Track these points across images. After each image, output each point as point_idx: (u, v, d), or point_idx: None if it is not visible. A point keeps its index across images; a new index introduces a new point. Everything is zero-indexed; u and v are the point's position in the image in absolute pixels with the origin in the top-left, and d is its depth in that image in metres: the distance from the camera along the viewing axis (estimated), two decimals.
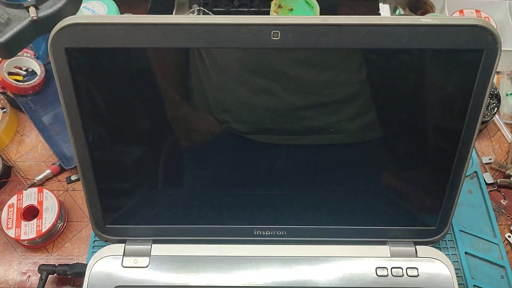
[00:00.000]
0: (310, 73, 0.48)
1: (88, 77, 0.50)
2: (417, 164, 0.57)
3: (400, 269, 0.58)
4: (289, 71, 0.48)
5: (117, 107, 0.53)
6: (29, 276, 0.67)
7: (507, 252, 0.66)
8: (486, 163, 0.75)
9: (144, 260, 0.60)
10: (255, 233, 0.61)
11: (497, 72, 0.82)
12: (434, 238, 0.60)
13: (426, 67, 0.49)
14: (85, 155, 0.54)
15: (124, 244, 0.61)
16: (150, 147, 0.56)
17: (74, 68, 0.49)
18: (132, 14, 0.94)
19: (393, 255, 0.60)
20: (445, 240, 0.65)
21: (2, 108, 0.79)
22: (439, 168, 0.56)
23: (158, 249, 0.61)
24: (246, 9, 0.92)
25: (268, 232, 0.61)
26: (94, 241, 0.67)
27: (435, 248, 0.60)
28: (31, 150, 0.79)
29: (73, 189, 0.74)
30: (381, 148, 0.56)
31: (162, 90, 0.51)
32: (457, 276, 0.58)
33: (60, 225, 0.69)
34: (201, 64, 0.48)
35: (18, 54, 0.81)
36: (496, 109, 0.77)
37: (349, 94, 0.50)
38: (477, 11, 0.91)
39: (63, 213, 0.70)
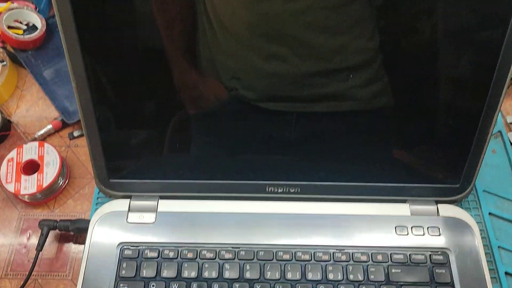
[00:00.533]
0: (322, 38, 0.46)
1: (93, 28, 0.47)
2: (441, 120, 0.53)
3: (421, 228, 0.55)
4: (300, 36, 0.46)
5: (123, 64, 0.50)
6: (29, 233, 0.64)
7: None
8: (510, 123, 0.71)
9: (150, 216, 0.57)
10: (267, 189, 0.57)
11: None
12: (457, 196, 0.56)
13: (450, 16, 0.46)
14: (88, 104, 0.51)
15: (129, 200, 0.58)
16: (157, 106, 0.53)
17: (79, 18, 0.46)
18: None
19: (414, 213, 0.56)
20: (467, 201, 0.62)
21: (1, 61, 0.76)
22: (464, 124, 0.53)
23: (165, 205, 0.58)
24: None
25: (280, 189, 0.57)
26: (98, 197, 0.64)
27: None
28: (32, 106, 0.75)
29: (76, 145, 0.71)
30: (400, 109, 0.53)
31: (169, 55, 0.49)
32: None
33: (62, 181, 0.66)
34: (209, 28, 0.47)
35: (19, 7, 0.78)
36: None
37: (362, 61, 0.48)
38: None
39: (65, 169, 0.67)
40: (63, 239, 0.63)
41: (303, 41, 0.46)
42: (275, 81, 0.49)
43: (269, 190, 0.57)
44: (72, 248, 0.62)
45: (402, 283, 0.52)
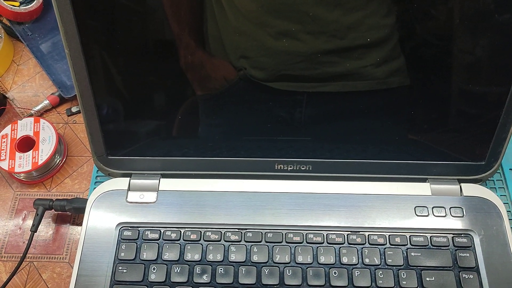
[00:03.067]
0: (335, 14, 0.44)
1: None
2: (465, 95, 0.49)
3: (443, 209, 0.51)
4: (312, 12, 0.44)
5: (123, 38, 0.47)
6: (25, 214, 0.60)
7: None
8: None
9: (151, 196, 0.53)
10: (276, 167, 0.54)
11: None
12: (482, 175, 0.52)
13: None
14: (83, 73, 0.48)
15: (129, 178, 0.55)
16: (160, 84, 0.50)
17: None
18: None
19: (435, 193, 0.52)
20: (492, 180, 0.57)
21: None
22: (491, 97, 0.49)
23: (167, 184, 0.54)
24: None
25: (291, 167, 0.53)
26: (97, 176, 0.61)
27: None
28: (28, 81, 0.72)
29: (74, 121, 0.67)
30: (420, 87, 0.49)
31: (174, 33, 0.47)
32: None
33: (58, 159, 0.63)
34: (217, 5, 0.45)
35: None
36: None
37: (377, 38, 0.46)
38: None
39: (63, 147, 0.64)
40: (59, 219, 0.59)
41: (315, 17, 0.45)
42: (286, 60, 0.47)
43: (278, 167, 0.54)
44: (70, 229, 0.59)
45: (422, 268, 0.48)
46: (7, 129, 0.62)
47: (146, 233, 0.51)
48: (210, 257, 0.50)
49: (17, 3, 0.74)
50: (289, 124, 0.52)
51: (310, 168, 0.54)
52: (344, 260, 0.49)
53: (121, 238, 0.51)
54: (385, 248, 0.49)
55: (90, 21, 0.46)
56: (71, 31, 0.46)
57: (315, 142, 0.53)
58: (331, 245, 0.50)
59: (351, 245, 0.50)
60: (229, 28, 0.46)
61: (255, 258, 0.49)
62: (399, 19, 0.45)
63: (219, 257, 0.50)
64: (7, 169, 0.59)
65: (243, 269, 0.49)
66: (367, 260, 0.49)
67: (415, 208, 0.51)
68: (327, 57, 0.47)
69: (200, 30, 0.47)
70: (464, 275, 0.48)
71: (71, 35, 0.46)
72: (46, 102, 0.68)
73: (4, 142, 0.61)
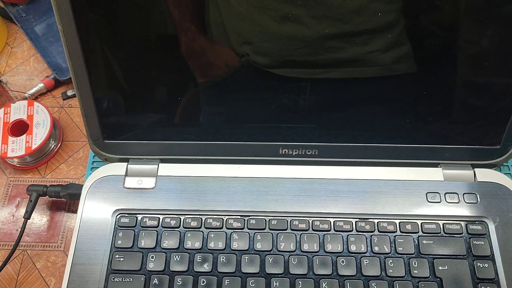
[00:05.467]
0: None
1: None
2: (479, 76, 0.47)
3: (456, 195, 0.49)
4: None
5: (120, 19, 0.45)
6: (18, 200, 0.58)
7: None
8: None
9: (150, 181, 0.51)
10: (280, 151, 0.51)
11: None
12: (497, 160, 0.50)
13: None
14: (77, 52, 0.46)
15: (126, 163, 0.52)
16: (159, 67, 0.48)
17: None
18: None
19: (447, 179, 0.50)
20: (507, 165, 0.55)
21: None
22: (506, 79, 0.46)
23: (166, 169, 0.52)
24: None
25: (296, 151, 0.51)
26: (93, 162, 0.58)
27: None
28: (22, 64, 0.69)
29: (70, 105, 0.65)
30: (429, 73, 0.47)
31: (174, 18, 0.45)
32: None
33: (53, 144, 0.60)
34: None
35: None
36: None
37: (383, 23, 0.45)
38: None
39: (57, 131, 0.61)
40: (54, 206, 0.57)
41: (319, 0, 0.43)
42: (289, 45, 0.46)
43: (283, 152, 0.51)
44: (65, 216, 0.57)
45: (434, 256, 0.46)
46: (0, 113, 0.59)
47: (144, 220, 0.49)
48: (211, 245, 0.47)
49: None
50: (293, 111, 0.50)
51: (316, 153, 0.51)
52: (352, 248, 0.47)
53: (118, 226, 0.49)
54: (395, 236, 0.47)
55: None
56: (65, 7, 0.43)
57: (320, 129, 0.51)
58: (338, 233, 0.48)
59: (359, 233, 0.47)
60: (231, 13, 0.45)
61: (258, 246, 0.47)
62: (406, 3, 0.43)
63: (220, 245, 0.47)
64: None
65: (246, 257, 0.47)
66: (376, 248, 0.47)
67: (426, 194, 0.49)
68: (332, 42, 0.45)
69: (202, 15, 0.45)
70: (478, 264, 0.45)
71: (65, 11, 0.43)
72: (41, 85, 0.65)
73: None
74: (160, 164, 0.52)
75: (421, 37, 0.45)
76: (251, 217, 0.49)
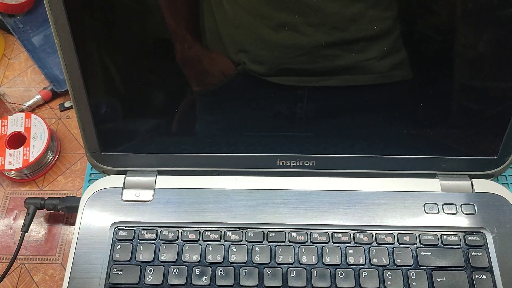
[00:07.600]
0: (336, 6, 0.43)
1: None
2: (476, 86, 0.47)
3: (453, 206, 0.49)
4: (312, 3, 0.43)
5: (115, 30, 0.45)
6: (16, 213, 0.58)
7: None
8: None
9: (147, 194, 0.51)
10: (278, 163, 0.51)
11: None
12: (495, 170, 0.50)
13: None
14: (74, 64, 0.45)
15: (124, 176, 0.52)
16: (155, 77, 0.48)
17: None
18: None
19: (445, 189, 0.50)
20: (505, 175, 0.55)
21: None
22: (503, 88, 0.46)
23: (164, 181, 0.52)
24: None
25: (293, 162, 0.51)
26: (91, 174, 0.58)
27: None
28: (20, 75, 0.69)
29: (67, 117, 0.65)
30: (426, 80, 0.47)
31: (170, 26, 0.45)
32: None
33: (51, 156, 0.60)
34: None
35: None
36: None
37: (379, 31, 0.45)
38: None
39: (55, 143, 0.61)
40: (52, 219, 0.57)
41: (315, 8, 0.43)
42: (286, 53, 0.46)
43: (281, 163, 0.51)
44: (62, 229, 0.56)
45: (433, 268, 0.46)
46: None
47: (142, 233, 0.49)
48: (210, 257, 0.47)
49: None
50: (290, 120, 0.50)
51: (314, 164, 0.51)
52: (351, 260, 0.47)
53: (116, 238, 0.49)
54: (393, 248, 0.47)
55: (81, 10, 0.43)
56: (62, 20, 0.43)
57: (317, 138, 0.51)
58: (336, 245, 0.48)
59: (357, 245, 0.47)
60: (227, 20, 0.45)
61: (256, 258, 0.47)
62: (402, 11, 0.43)
63: (219, 258, 0.47)
64: None
65: (244, 270, 0.47)
66: (374, 260, 0.47)
67: (424, 205, 0.49)
68: (328, 50, 0.45)
69: (197, 23, 0.45)
70: (477, 275, 0.46)
71: (61, 24, 0.44)
72: (38, 97, 0.65)
73: None
74: (158, 176, 0.52)
75: (417, 43, 0.45)
76: (249, 229, 0.49)
